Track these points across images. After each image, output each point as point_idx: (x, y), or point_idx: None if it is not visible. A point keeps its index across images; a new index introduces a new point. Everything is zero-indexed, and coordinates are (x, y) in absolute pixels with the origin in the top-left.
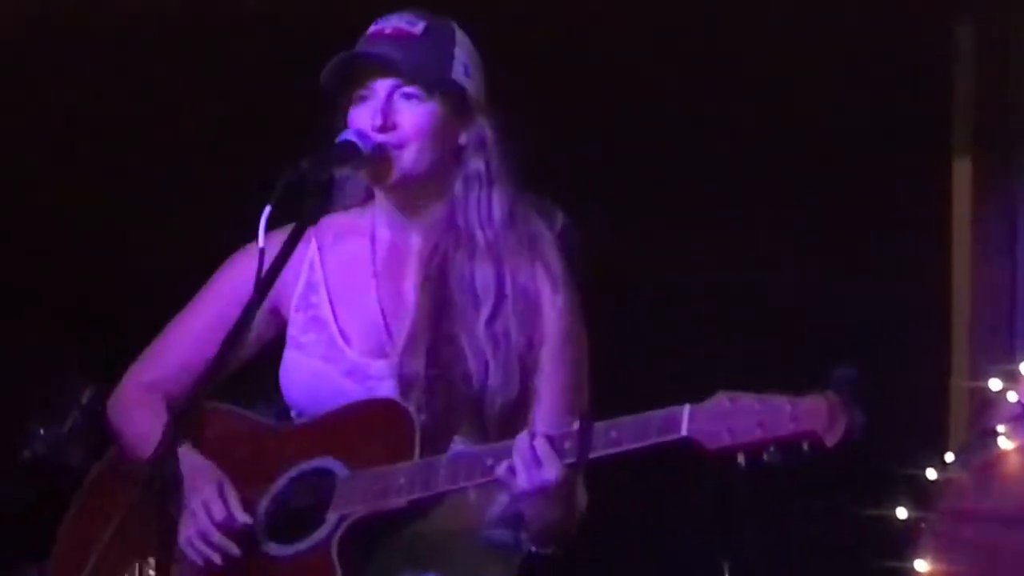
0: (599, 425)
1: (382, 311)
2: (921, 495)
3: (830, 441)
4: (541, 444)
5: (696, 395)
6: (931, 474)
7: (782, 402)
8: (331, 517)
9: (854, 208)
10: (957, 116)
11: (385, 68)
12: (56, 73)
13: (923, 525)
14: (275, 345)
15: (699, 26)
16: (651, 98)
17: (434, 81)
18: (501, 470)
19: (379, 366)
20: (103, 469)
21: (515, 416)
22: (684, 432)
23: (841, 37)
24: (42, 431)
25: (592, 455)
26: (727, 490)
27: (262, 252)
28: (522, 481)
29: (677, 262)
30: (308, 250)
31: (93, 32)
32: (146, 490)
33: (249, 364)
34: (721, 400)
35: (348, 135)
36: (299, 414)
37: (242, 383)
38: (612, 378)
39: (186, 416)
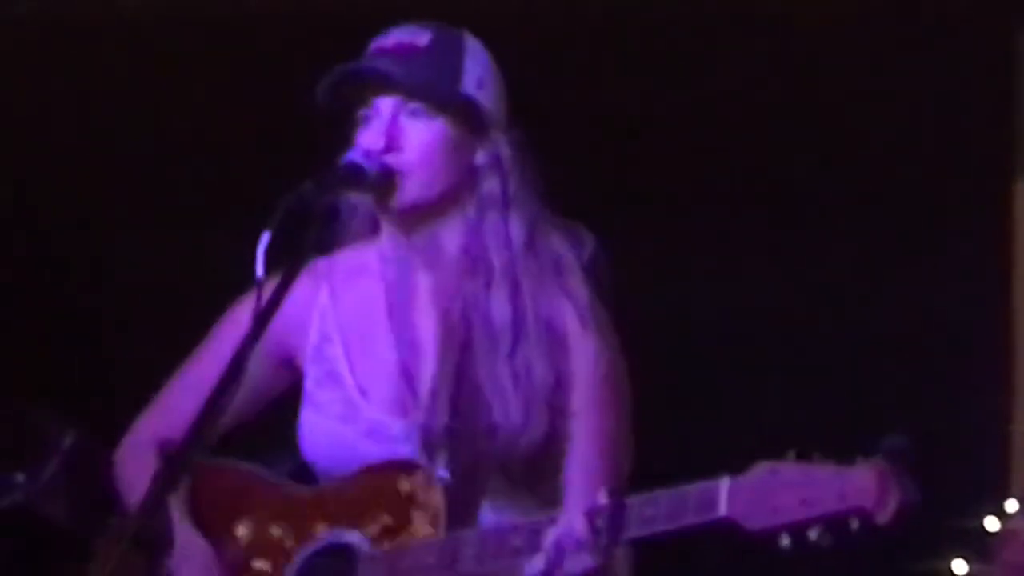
0: (633, 500)
1: (401, 362)
2: (980, 547)
3: (882, 519)
4: (565, 534)
5: (735, 447)
6: (991, 524)
7: (829, 475)
8: None
9: (905, 240)
10: (1019, 133)
11: (387, 85)
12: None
13: None
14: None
15: (751, 41)
16: (677, 123)
17: (440, 96)
18: (539, 564)
19: (400, 425)
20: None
21: (542, 462)
22: (722, 512)
23: (896, 53)
24: (21, 479)
25: (627, 535)
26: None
27: (260, 284)
28: (562, 571)
29: (712, 301)
30: (319, 296)
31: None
32: (133, 545)
33: (264, 416)
34: (762, 473)
35: (352, 156)
36: (319, 476)
37: (265, 433)
38: (641, 434)
39: (177, 467)
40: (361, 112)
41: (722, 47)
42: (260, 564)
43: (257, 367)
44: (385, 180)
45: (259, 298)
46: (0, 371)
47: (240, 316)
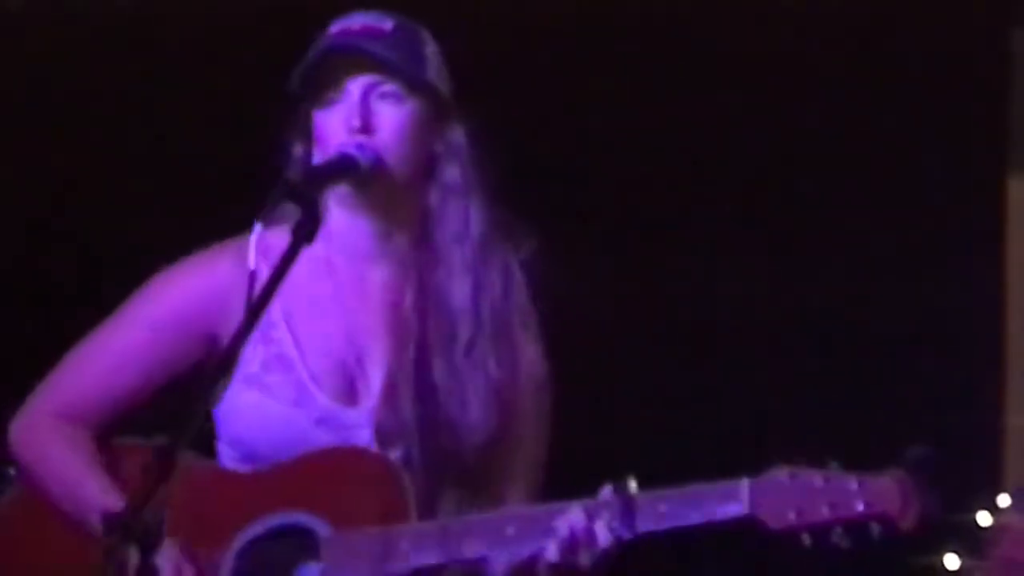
0: (644, 497)
1: (353, 350)
2: (973, 542)
3: (904, 525)
4: (582, 527)
5: (740, 452)
6: (984, 519)
7: (849, 480)
8: None
9: (900, 236)
10: (1014, 129)
11: (360, 65)
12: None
13: (975, 574)
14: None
15: (735, 38)
16: (672, 118)
17: (412, 78)
18: (552, 553)
19: (353, 414)
20: (12, 508)
21: (494, 462)
22: (747, 509)
23: (891, 49)
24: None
25: (642, 530)
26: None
27: (252, 275)
28: (573, 562)
29: (713, 298)
30: (259, 276)
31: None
32: (124, 539)
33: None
34: (780, 475)
35: (347, 147)
36: (244, 457)
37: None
38: (646, 433)
39: (169, 459)
40: (327, 94)
41: (714, 42)
42: (200, 549)
43: (174, 340)
44: (375, 172)
45: (251, 289)
46: None
47: (170, 292)
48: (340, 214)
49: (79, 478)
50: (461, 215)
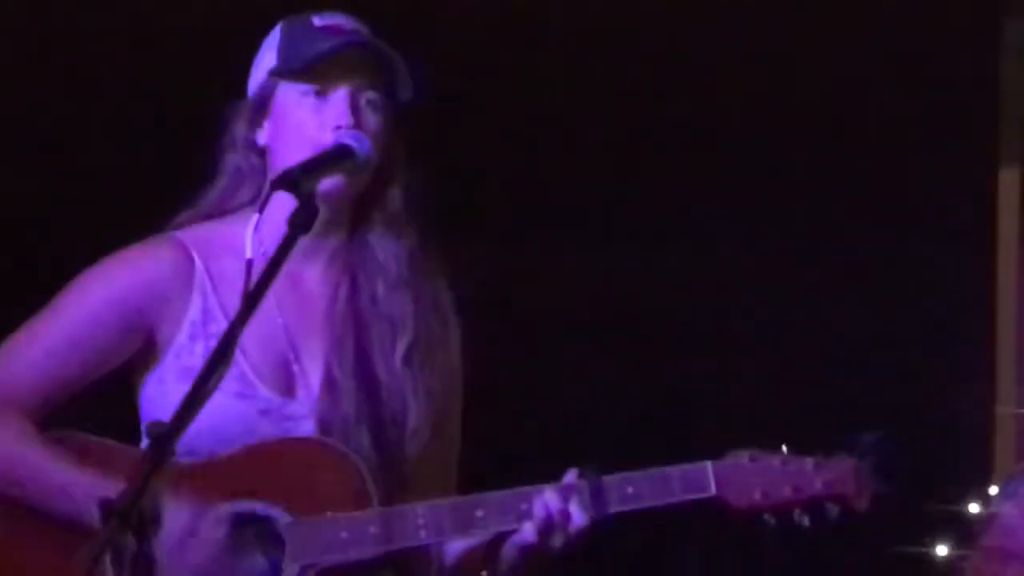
0: (611, 479)
1: (291, 345)
2: (963, 531)
3: (859, 507)
4: (558, 509)
5: (708, 436)
6: (974, 509)
7: (806, 462)
8: (290, 568)
9: (890, 224)
10: (1004, 120)
11: (355, 68)
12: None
13: (965, 564)
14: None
15: (729, 30)
16: (665, 117)
17: (390, 91)
18: (529, 533)
19: (294, 406)
20: None
21: (424, 465)
22: (713, 490)
23: (882, 37)
24: None
25: (610, 512)
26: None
27: (249, 264)
28: (548, 543)
29: (693, 290)
30: (195, 271)
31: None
32: (121, 521)
33: (89, 389)
34: (740, 460)
35: (345, 138)
36: (182, 450)
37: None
38: (617, 428)
39: (166, 446)
40: (313, 87)
41: (712, 33)
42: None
43: (109, 330)
44: (365, 165)
45: (247, 279)
46: None
47: (109, 285)
48: (275, 212)
49: (59, 469)
50: (400, 230)
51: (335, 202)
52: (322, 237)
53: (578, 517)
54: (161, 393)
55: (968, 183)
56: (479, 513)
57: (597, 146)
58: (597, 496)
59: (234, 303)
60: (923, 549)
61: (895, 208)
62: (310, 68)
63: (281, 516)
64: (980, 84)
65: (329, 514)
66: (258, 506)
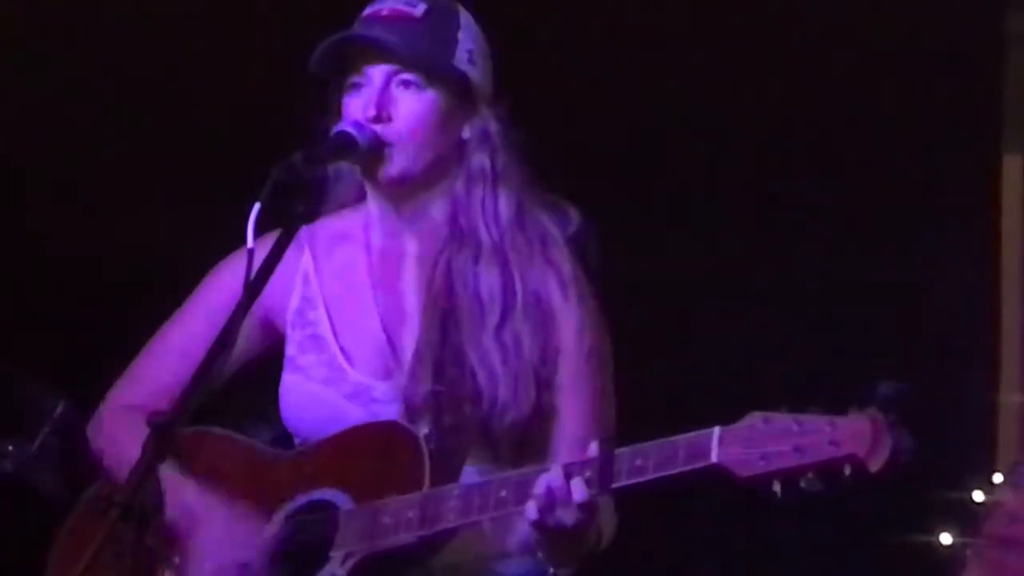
0: (623, 451)
1: (384, 327)
2: (967, 519)
3: (874, 466)
4: (558, 483)
5: (727, 412)
6: (978, 496)
7: (821, 423)
8: (336, 555)
9: (895, 210)
10: (1008, 108)
11: (381, 53)
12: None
13: (969, 552)
14: (269, 362)
15: (737, 22)
16: (681, 95)
17: (434, 67)
18: (531, 511)
19: (384, 388)
20: (92, 497)
21: (529, 436)
22: (714, 459)
23: (887, 27)
24: (10, 447)
25: (616, 484)
26: (761, 514)
27: (251, 253)
28: (553, 520)
29: (706, 268)
30: (302, 261)
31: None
32: (123, 517)
33: (238, 380)
34: (754, 421)
35: (343, 126)
36: (302, 440)
37: (238, 403)
38: (636, 396)
39: (166, 435)
40: (352, 79)
41: (715, 31)
42: (243, 528)
43: (239, 329)
44: (375, 151)
45: (249, 268)
46: None
47: (221, 282)
48: (371, 197)
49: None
50: (489, 201)
51: (406, 185)
52: (419, 214)
53: (578, 493)
54: (281, 386)
55: (972, 171)
56: (503, 493)
57: (601, 129)
58: (605, 468)
59: (339, 290)
60: (927, 537)
61: (899, 196)
62: (327, 66)
63: (344, 503)
64: (984, 74)
65: (381, 501)
66: (327, 494)
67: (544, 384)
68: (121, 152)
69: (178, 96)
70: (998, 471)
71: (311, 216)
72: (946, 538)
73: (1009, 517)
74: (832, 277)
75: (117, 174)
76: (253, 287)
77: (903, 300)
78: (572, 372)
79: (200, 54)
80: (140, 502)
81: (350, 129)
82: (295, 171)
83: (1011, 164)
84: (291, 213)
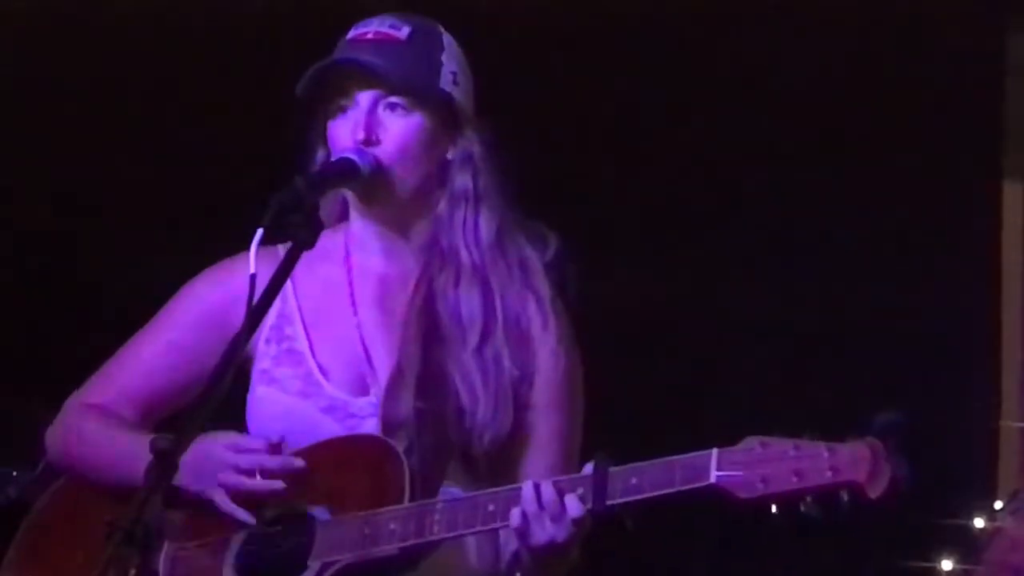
0: (617, 470)
1: (363, 343)
2: (968, 546)
3: (873, 493)
4: (550, 496)
5: (725, 439)
6: (979, 523)
7: (820, 448)
8: (313, 565)
9: (894, 237)
10: (1008, 135)
11: (368, 77)
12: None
13: None
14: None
15: (735, 44)
16: (678, 121)
17: (420, 90)
18: (514, 519)
19: (361, 403)
20: (56, 499)
21: (506, 457)
22: (712, 480)
23: (887, 54)
24: (14, 474)
25: (609, 502)
26: (760, 541)
27: (253, 278)
28: (532, 533)
29: (707, 297)
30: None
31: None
32: (126, 541)
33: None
34: (752, 445)
35: (347, 152)
36: None
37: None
38: (637, 420)
39: (170, 459)
40: (340, 102)
41: (714, 42)
42: (213, 538)
43: (206, 343)
44: (377, 176)
45: (252, 292)
46: None
47: (193, 299)
48: (356, 216)
49: (123, 439)
50: (471, 222)
51: (393, 206)
52: (398, 241)
53: (574, 508)
54: (250, 398)
55: (972, 198)
56: (491, 507)
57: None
58: (599, 486)
59: (317, 307)
60: (928, 563)
61: (900, 223)
62: (315, 90)
63: (321, 514)
64: (984, 101)
65: (361, 512)
66: (305, 507)
67: (522, 406)
68: (130, 182)
69: (181, 124)
70: (999, 498)
71: (312, 241)
72: (947, 565)
73: (1010, 544)
74: (831, 305)
75: (126, 204)
76: (257, 312)
77: (903, 327)
78: (548, 395)
79: (197, 79)
80: (144, 526)
81: (352, 156)
82: (297, 196)
83: (1011, 191)
84: (293, 238)
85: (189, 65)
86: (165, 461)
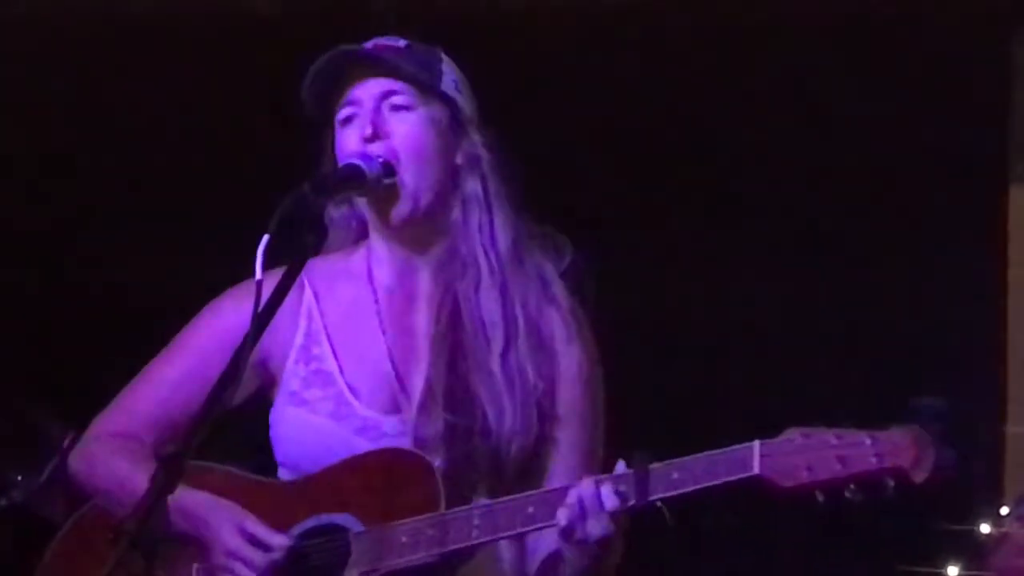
0: (658, 466)
1: (392, 362)
2: (974, 551)
3: (918, 478)
4: (593, 494)
5: (733, 440)
6: (984, 528)
7: (862, 436)
8: (350, 573)
9: (901, 242)
10: (1014, 139)
11: (369, 71)
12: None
13: None
14: (250, 402)
15: (739, 48)
16: (701, 126)
17: (423, 85)
18: (561, 518)
19: (393, 422)
20: (79, 524)
21: (532, 465)
22: (756, 470)
23: (893, 59)
24: (20, 478)
25: (653, 497)
26: (770, 546)
27: (259, 285)
28: (583, 530)
29: (733, 299)
30: (303, 298)
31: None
32: (132, 546)
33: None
34: (793, 436)
35: (352, 157)
36: (292, 474)
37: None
38: (675, 417)
39: (175, 467)
40: (343, 112)
41: (717, 53)
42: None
43: (220, 368)
44: (384, 181)
45: (258, 300)
46: (0, 371)
47: (216, 318)
48: (375, 235)
49: (140, 482)
50: (487, 227)
51: (418, 219)
52: (419, 252)
53: (609, 501)
54: (277, 419)
55: (979, 202)
56: (530, 510)
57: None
58: (641, 481)
59: (343, 324)
60: (935, 569)
61: (905, 228)
62: (317, 93)
63: (354, 526)
64: (990, 106)
65: (396, 522)
66: (337, 518)
67: (545, 415)
68: (133, 187)
69: (185, 129)
70: (1005, 504)
71: (320, 247)
72: (953, 570)
73: (1016, 549)
74: (837, 311)
75: (130, 209)
76: (262, 318)
77: (909, 331)
78: (570, 404)
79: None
80: (149, 532)
81: (357, 161)
82: (304, 202)
83: (1018, 194)
84: (300, 244)
85: (200, 69)
86: (170, 468)
